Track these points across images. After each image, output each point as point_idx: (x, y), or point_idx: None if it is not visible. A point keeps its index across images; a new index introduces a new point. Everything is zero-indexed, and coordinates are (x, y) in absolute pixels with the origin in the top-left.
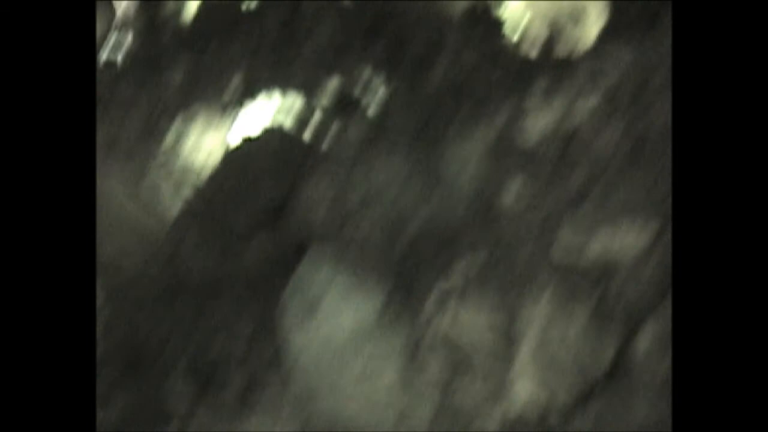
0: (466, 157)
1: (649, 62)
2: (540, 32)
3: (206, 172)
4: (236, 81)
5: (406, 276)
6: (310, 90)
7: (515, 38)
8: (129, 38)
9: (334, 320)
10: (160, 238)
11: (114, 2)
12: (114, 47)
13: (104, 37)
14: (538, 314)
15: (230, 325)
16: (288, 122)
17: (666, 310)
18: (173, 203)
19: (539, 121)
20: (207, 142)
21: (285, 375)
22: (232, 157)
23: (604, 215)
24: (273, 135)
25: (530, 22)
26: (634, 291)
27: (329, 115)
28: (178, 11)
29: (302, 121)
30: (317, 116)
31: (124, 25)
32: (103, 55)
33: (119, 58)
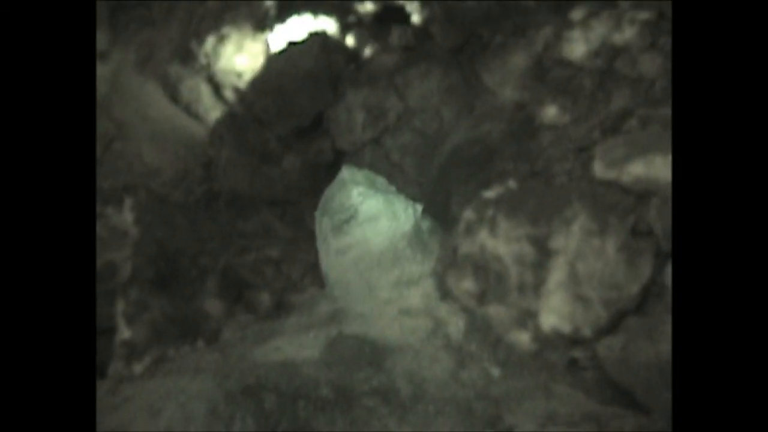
0: (507, 72)
1: None
2: None
3: (248, 75)
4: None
5: (445, 186)
6: (346, 11)
7: None
8: None
9: (370, 230)
10: (201, 141)
11: None
12: None
13: None
14: (574, 230)
15: (267, 231)
16: (329, 32)
17: None
18: (214, 105)
19: (581, 41)
20: (250, 45)
21: (321, 279)
22: (274, 61)
23: (645, 137)
24: (316, 40)
25: None
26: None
27: (366, 31)
28: None
29: (342, 34)
30: (355, 31)
31: None
32: None
33: None
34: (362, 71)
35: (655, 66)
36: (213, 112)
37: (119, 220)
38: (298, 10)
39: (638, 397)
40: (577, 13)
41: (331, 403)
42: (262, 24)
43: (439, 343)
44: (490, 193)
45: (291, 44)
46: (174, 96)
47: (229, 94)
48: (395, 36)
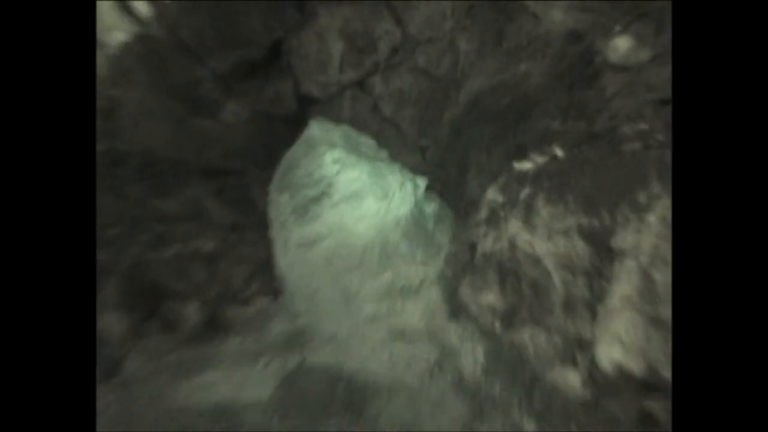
0: None
1: None
2: None
3: None
4: None
5: (461, 152)
6: None
7: None
8: None
9: (350, 214)
10: (98, 77)
11: None
12: None
13: None
14: (651, 221)
15: (197, 213)
16: None
17: None
18: (117, 25)
19: None
20: None
21: (276, 285)
22: None
23: None
24: None
25: None
26: None
27: None
28: None
29: None
30: None
31: None
32: None
33: None
34: None
35: None
36: (117, 34)
37: None
38: None
39: None
40: None
41: None
42: None
43: (448, 382)
44: (526, 165)
45: None
46: None
47: (142, 9)
48: None
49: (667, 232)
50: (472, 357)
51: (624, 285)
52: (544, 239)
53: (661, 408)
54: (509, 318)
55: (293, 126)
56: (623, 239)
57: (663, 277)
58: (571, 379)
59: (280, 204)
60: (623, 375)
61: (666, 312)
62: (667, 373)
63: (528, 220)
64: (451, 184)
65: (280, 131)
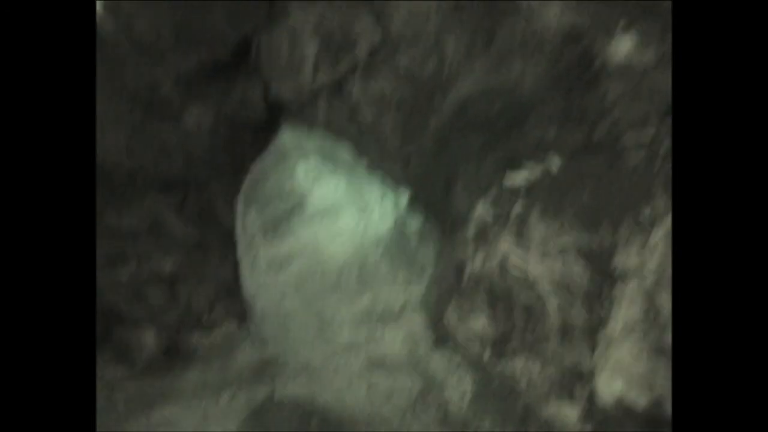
0: None
1: None
2: None
3: None
4: None
5: (447, 163)
6: None
7: None
8: None
9: (325, 231)
10: None
11: None
12: None
13: None
14: (656, 240)
15: (155, 229)
16: None
17: None
18: None
19: None
20: None
21: (243, 309)
22: None
23: None
24: None
25: None
26: None
27: None
28: None
29: None
30: None
31: None
32: None
33: None
34: None
35: None
36: None
37: None
38: None
39: None
40: None
41: None
42: None
43: (432, 416)
44: (518, 177)
45: None
46: None
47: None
48: None
49: None
50: (458, 389)
51: (627, 310)
52: (539, 259)
53: None
54: (500, 346)
55: (262, 133)
56: (626, 259)
57: (669, 302)
58: (568, 414)
59: (247, 219)
60: (626, 409)
61: (671, 339)
62: None
63: (521, 239)
64: (436, 197)
65: (248, 139)
